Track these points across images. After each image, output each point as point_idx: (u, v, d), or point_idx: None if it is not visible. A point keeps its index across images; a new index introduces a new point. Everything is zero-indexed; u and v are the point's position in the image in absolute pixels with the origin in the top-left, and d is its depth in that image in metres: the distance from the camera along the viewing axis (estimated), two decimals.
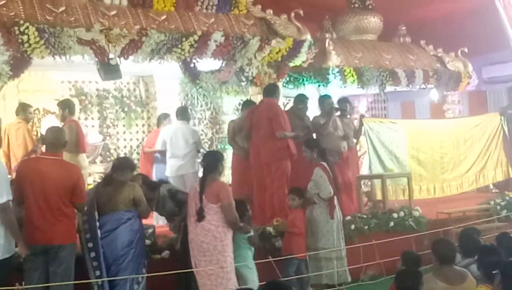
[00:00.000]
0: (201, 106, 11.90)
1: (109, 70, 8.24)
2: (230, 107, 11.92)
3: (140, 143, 11.18)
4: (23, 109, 8.63)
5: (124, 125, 11.15)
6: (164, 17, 8.61)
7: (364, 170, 10.96)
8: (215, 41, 8.74)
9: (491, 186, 12.38)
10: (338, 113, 9.45)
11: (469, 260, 5.53)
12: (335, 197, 7.49)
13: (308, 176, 7.62)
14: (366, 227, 8.65)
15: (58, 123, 8.72)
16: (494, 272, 4.08)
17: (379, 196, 10.08)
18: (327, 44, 11.37)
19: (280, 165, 8.42)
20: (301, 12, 9.69)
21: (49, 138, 5.83)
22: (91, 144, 9.48)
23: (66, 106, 8.53)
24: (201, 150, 9.13)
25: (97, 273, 5.94)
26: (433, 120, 13.21)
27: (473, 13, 13.54)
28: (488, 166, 12.03)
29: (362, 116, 10.61)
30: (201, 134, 11.18)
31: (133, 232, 6.13)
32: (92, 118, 10.78)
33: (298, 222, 7.38)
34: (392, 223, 8.91)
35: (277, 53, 9.43)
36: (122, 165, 6.30)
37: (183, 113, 9.30)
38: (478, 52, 13.65)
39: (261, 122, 8.48)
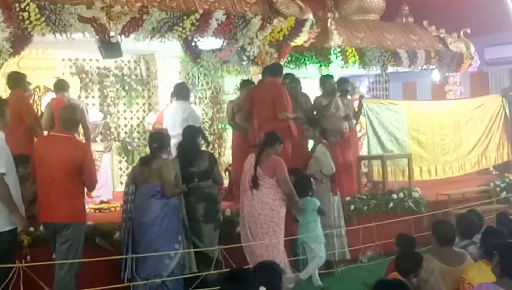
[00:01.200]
0: (202, 85, 11.86)
1: (110, 48, 8.21)
2: (231, 86, 11.87)
3: (141, 122, 11.17)
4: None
5: (124, 104, 11.13)
6: None
7: (363, 151, 10.97)
8: (217, 19, 8.70)
9: (491, 168, 12.39)
10: (339, 93, 9.43)
11: (467, 242, 5.55)
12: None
13: (301, 157, 7.64)
14: (366, 207, 8.68)
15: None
16: (494, 252, 4.09)
17: (377, 177, 10.10)
18: (329, 24, 11.31)
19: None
20: None
21: (63, 116, 5.81)
22: (92, 122, 9.46)
23: (55, 85, 8.53)
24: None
25: (128, 245, 6.13)
26: (434, 101, 13.19)
27: None
28: (490, 148, 12.04)
29: (361, 97, 10.59)
30: (202, 114, 11.14)
31: (159, 206, 6.19)
32: (93, 97, 10.75)
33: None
34: (391, 204, 8.95)
35: (278, 32, 9.39)
36: (159, 139, 6.49)
37: (180, 92, 8.73)
38: (481, 33, 13.58)
39: (264, 102, 8.45)
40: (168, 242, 6.16)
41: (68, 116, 5.82)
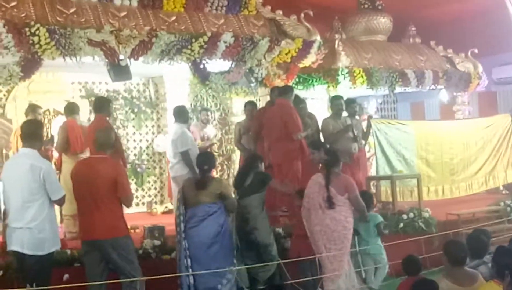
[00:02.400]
0: (211, 107, 11.91)
1: (119, 71, 8.28)
2: (240, 108, 11.92)
3: (150, 144, 11.21)
4: (33, 110, 8.66)
5: (134, 126, 11.19)
6: (174, 18, 8.64)
7: (372, 172, 10.94)
8: (225, 42, 8.77)
9: (501, 188, 12.31)
10: (347, 114, 9.45)
11: (477, 262, 5.52)
12: None
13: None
14: None
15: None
16: (506, 272, 4.07)
17: (384, 198, 10.06)
18: (336, 45, 11.37)
19: (292, 166, 8.43)
20: (311, 12, 9.71)
21: (97, 138, 6.02)
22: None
23: (66, 108, 8.55)
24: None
25: (187, 262, 6.27)
26: (443, 121, 13.15)
27: (483, 14, 13.50)
28: (498, 167, 11.95)
29: (370, 117, 10.59)
30: (216, 135, 11.18)
31: (219, 225, 6.39)
32: None
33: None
34: (401, 224, 8.90)
35: (286, 54, 9.44)
36: (209, 161, 6.66)
37: (178, 115, 8.63)
38: (488, 53, 13.59)
39: (274, 123, 8.48)
40: (226, 258, 6.38)
41: (104, 137, 6.02)
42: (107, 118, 8.01)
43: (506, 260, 4.63)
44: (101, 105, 8.01)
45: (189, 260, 6.31)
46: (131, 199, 6.12)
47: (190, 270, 6.24)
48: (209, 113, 10.59)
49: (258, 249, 6.84)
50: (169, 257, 7.11)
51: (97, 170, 5.78)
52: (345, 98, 9.63)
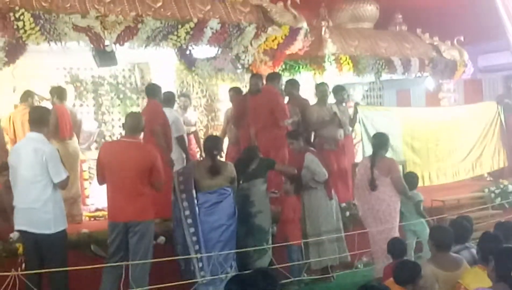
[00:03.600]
0: (197, 93, 11.86)
1: (104, 57, 8.24)
2: (226, 94, 11.87)
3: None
4: (30, 96, 8.69)
5: (119, 112, 11.11)
6: (160, 4, 8.58)
7: (359, 158, 10.96)
8: (211, 28, 8.73)
9: (486, 174, 12.40)
10: (334, 101, 9.46)
11: (460, 247, 5.60)
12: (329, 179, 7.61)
13: (299, 163, 7.69)
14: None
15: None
16: (490, 257, 4.11)
17: None
18: (323, 32, 11.37)
19: (279, 154, 8.41)
20: None
21: (128, 122, 6.17)
22: (86, 131, 9.45)
23: (55, 92, 8.48)
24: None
25: (196, 247, 6.35)
26: (430, 108, 13.21)
27: (469, 2, 13.50)
28: (484, 154, 12.02)
29: (356, 104, 10.60)
30: (197, 121, 11.14)
31: (233, 205, 6.58)
32: (87, 105, 10.73)
33: (293, 208, 7.40)
34: None
35: (273, 40, 9.42)
36: (218, 145, 6.79)
37: (168, 100, 8.57)
38: (474, 40, 13.66)
39: (261, 110, 8.47)
40: (233, 244, 6.52)
41: (133, 122, 6.17)
42: (160, 103, 8.10)
43: (491, 245, 4.68)
44: (154, 89, 8.18)
45: (198, 245, 6.35)
46: (163, 184, 6.26)
47: (199, 254, 6.30)
48: (188, 99, 10.51)
49: (258, 233, 6.96)
50: (155, 242, 7.08)
51: (134, 154, 5.97)
52: (333, 85, 9.64)
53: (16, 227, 5.89)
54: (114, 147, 6.36)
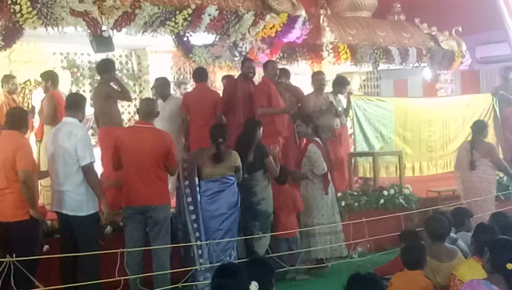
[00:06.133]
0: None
1: (101, 42, 8.20)
2: None
3: (132, 116, 11.13)
4: (6, 81, 8.60)
5: None
6: None
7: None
8: (209, 15, 8.70)
9: None
10: (331, 90, 9.44)
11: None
12: (329, 173, 7.54)
13: (293, 154, 7.66)
14: (357, 204, 8.68)
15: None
16: (485, 248, 4.11)
17: (362, 173, 10.11)
18: (321, 21, 11.33)
19: (269, 143, 8.27)
20: None
21: (143, 108, 6.30)
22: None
23: (48, 77, 8.38)
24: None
25: (197, 234, 6.40)
26: (424, 98, 13.20)
27: None
28: None
29: (350, 93, 10.55)
30: None
31: (235, 196, 6.58)
32: (84, 91, 10.67)
33: (292, 199, 7.39)
34: (382, 201, 8.95)
35: (271, 28, 9.40)
36: (224, 133, 6.67)
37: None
38: (472, 31, 13.64)
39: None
40: (234, 231, 6.56)
41: (148, 107, 6.28)
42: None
43: (486, 236, 4.68)
44: (200, 74, 8.36)
45: (198, 233, 6.39)
46: (176, 169, 6.42)
47: (199, 241, 6.34)
48: (188, 86, 10.49)
49: (264, 218, 7.01)
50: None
51: (151, 139, 6.08)
52: (335, 76, 9.60)
53: (52, 209, 6.03)
54: (129, 133, 6.40)
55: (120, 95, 7.74)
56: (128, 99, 8.10)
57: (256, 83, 8.54)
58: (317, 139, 7.64)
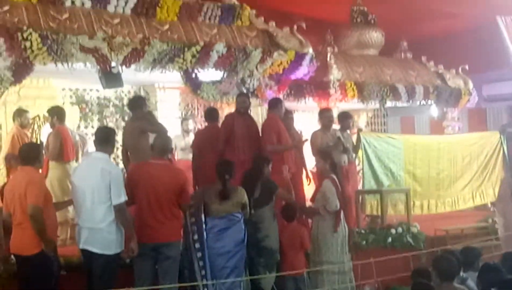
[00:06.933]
0: (202, 116, 11.86)
1: (110, 78, 8.24)
2: None
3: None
4: (18, 115, 8.64)
5: None
6: (167, 26, 8.64)
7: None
8: (217, 52, 8.77)
9: (489, 205, 12.32)
10: (338, 127, 9.45)
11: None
12: (342, 211, 7.49)
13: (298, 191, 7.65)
14: (364, 242, 8.62)
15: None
16: (492, 289, 4.06)
17: (369, 211, 10.06)
18: (328, 58, 11.41)
19: (278, 178, 8.28)
20: (304, 25, 9.74)
21: (157, 144, 6.28)
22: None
23: (55, 113, 8.43)
24: None
25: (203, 272, 6.36)
26: (432, 136, 13.20)
27: (474, 31, 13.60)
28: (486, 184, 11.96)
29: (359, 130, 10.59)
30: None
31: (243, 231, 6.56)
32: (92, 126, 10.71)
33: (297, 237, 7.33)
34: (390, 239, 8.89)
35: (278, 65, 9.45)
36: (230, 170, 6.65)
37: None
38: (479, 69, 13.68)
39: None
40: (241, 269, 6.53)
41: (163, 143, 6.30)
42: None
43: (492, 276, 4.64)
44: (211, 113, 8.66)
45: (204, 271, 6.35)
46: (189, 206, 6.39)
47: (205, 280, 6.30)
48: (190, 122, 10.47)
49: (268, 254, 6.94)
50: None
51: (165, 176, 6.05)
52: (339, 112, 9.62)
53: (79, 246, 5.89)
54: (144, 169, 6.27)
55: (155, 129, 7.58)
56: (163, 132, 7.98)
57: (255, 116, 8.56)
58: (333, 176, 7.61)
